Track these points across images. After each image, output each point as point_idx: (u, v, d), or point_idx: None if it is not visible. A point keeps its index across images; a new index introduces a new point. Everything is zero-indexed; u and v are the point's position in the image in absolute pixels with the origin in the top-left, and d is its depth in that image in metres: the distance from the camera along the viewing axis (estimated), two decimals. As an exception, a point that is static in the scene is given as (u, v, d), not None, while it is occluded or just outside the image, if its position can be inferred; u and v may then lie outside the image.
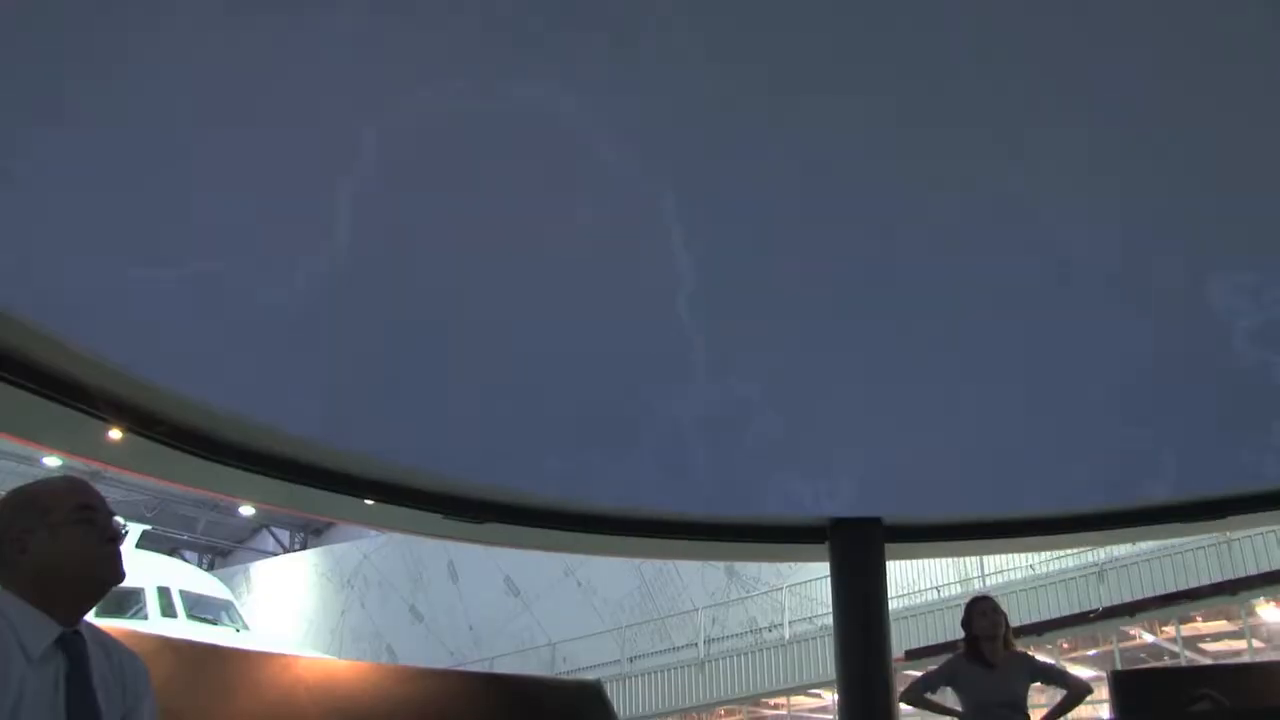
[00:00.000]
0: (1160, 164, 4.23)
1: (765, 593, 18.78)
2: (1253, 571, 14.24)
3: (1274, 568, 14.14)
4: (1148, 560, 14.83)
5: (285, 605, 26.55)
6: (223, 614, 14.60)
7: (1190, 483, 5.97)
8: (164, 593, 13.68)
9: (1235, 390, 5.24)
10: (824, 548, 6.59)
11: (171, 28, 3.63)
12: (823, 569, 6.54)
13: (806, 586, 17.46)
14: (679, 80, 4.08)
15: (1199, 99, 3.92)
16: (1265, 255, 4.61)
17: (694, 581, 19.90)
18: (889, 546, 6.56)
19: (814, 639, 16.78)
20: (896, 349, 5.08)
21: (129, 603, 13.07)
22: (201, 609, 14.13)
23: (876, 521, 6.45)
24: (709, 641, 18.83)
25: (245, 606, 18.83)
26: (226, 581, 20.19)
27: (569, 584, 21.81)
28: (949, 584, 16.67)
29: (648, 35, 3.95)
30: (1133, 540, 12.22)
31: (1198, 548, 14.38)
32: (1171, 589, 14.67)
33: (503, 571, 22.82)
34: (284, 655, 4.59)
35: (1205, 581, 14.46)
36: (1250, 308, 4.82)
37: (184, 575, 15.09)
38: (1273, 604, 15.06)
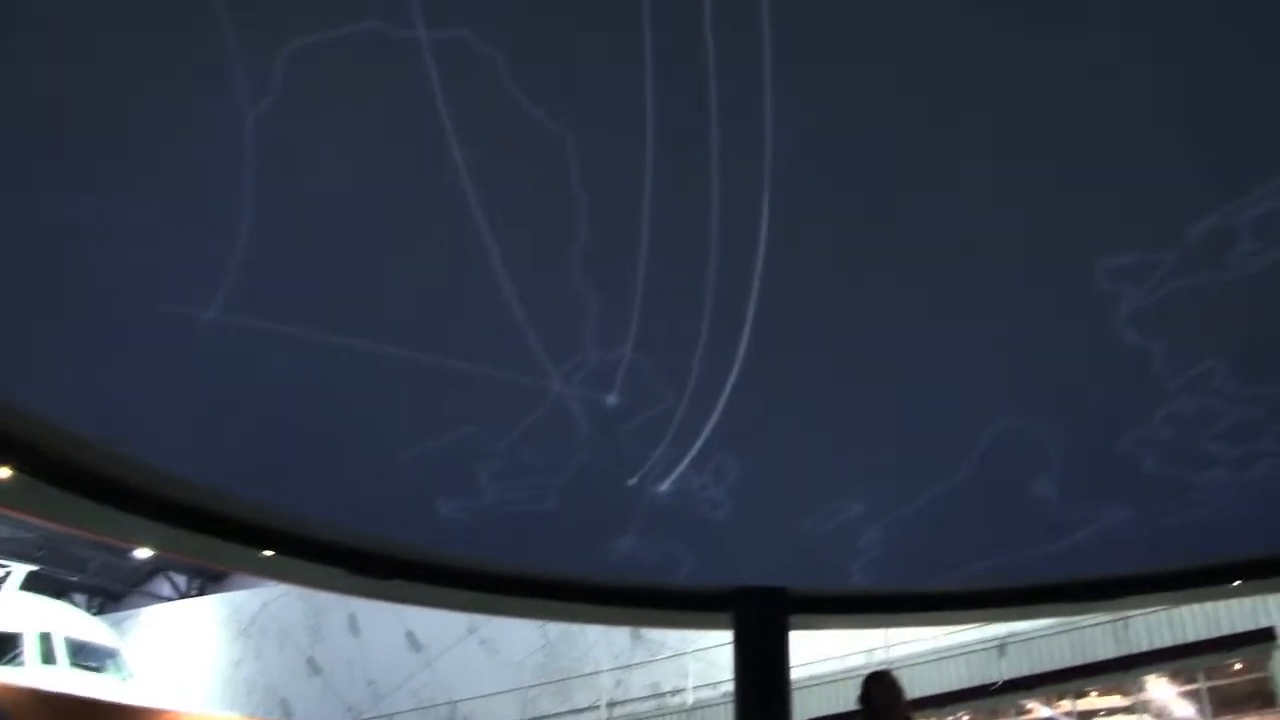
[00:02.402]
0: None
1: (670, 657, 18.68)
2: (1146, 648, 14.66)
3: (1166, 645, 14.55)
4: (1047, 636, 15.14)
5: (177, 654, 25.67)
6: (108, 662, 14.06)
7: (1087, 564, 6.12)
8: (45, 638, 13.12)
9: (1131, 477, 5.39)
10: (728, 616, 6.60)
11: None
12: (728, 635, 6.54)
13: (711, 652, 17.42)
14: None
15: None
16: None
17: (599, 643, 19.74)
18: (793, 617, 6.60)
19: (717, 705, 16.72)
20: (800, 423, 5.11)
21: (5, 649, 12.52)
22: (85, 656, 13.59)
23: (781, 592, 6.49)
24: (612, 704, 18.65)
25: (134, 654, 18.16)
26: (116, 627, 19.51)
27: (472, 641, 21.47)
28: (852, 654, 16.76)
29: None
30: (1032, 617, 12.43)
31: (1095, 624, 14.75)
32: (1069, 664, 15.00)
33: (405, 626, 22.39)
34: (167, 710, 4.44)
35: (1101, 657, 14.83)
36: (1151, 427, 5.05)
37: (69, 620, 14.52)
38: (1164, 680, 15.43)
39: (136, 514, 5.33)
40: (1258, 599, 13.86)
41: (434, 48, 3.70)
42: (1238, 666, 15.08)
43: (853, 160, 3.97)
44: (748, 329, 4.41)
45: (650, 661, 18.97)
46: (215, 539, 5.72)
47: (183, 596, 28.94)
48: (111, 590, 29.71)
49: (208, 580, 29.10)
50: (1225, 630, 14.36)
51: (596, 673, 19.13)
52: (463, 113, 3.83)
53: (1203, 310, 4.50)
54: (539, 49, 3.68)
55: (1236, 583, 6.67)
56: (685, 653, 18.09)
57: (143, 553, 24.54)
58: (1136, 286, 4.43)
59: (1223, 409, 5.08)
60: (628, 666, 19.25)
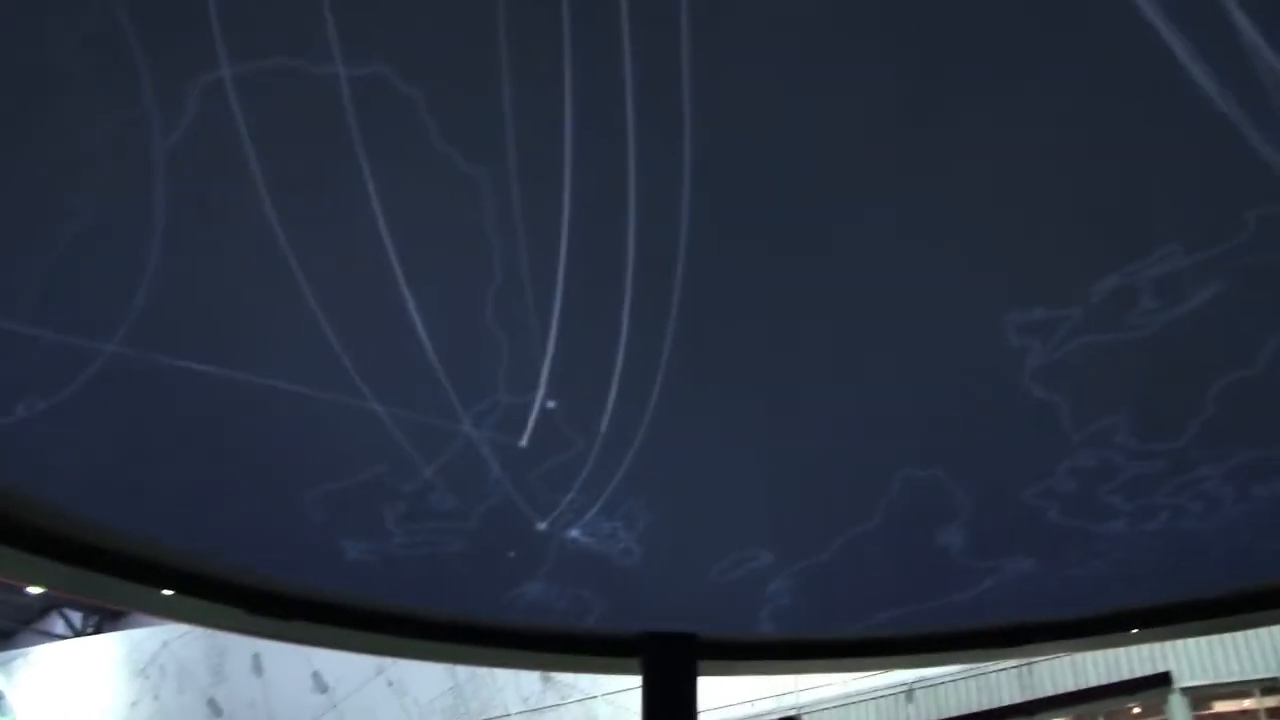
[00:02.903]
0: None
1: (579, 700, 18.51)
2: (1049, 693, 14.96)
3: (1068, 689, 14.88)
4: (953, 681, 15.35)
5: (69, 695, 24.72)
6: (-9, 704, 13.51)
7: (993, 613, 6.23)
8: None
9: (1036, 528, 5.50)
10: (637, 661, 6.58)
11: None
12: (638, 679, 6.52)
13: (622, 696, 17.31)
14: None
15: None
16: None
17: (509, 685, 19.49)
18: (702, 663, 6.60)
19: (627, 749, 16.60)
20: (710, 471, 5.14)
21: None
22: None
23: (690, 638, 6.50)
24: (521, 747, 18.41)
25: (21, 696, 17.44)
26: (4, 668, 18.72)
27: (380, 682, 21.04)
28: (763, 698, 16.77)
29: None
30: (939, 664, 12.59)
31: (1000, 670, 15.01)
32: (976, 708, 15.22)
33: (311, 666, 21.87)
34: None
35: (1007, 702, 15.08)
36: (1056, 479, 5.18)
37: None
38: (1067, 725, 15.73)
39: (29, 551, 5.15)
40: (1155, 645, 14.24)
41: (352, 85, 3.67)
42: (1136, 710, 15.48)
43: (764, 231, 4.02)
44: (660, 377, 4.42)
45: (560, 705, 18.79)
46: (112, 577, 5.55)
47: (78, 634, 27.93)
48: (1, 628, 28.59)
49: (105, 618, 28.16)
50: (1125, 675, 14.74)
51: (506, 716, 18.88)
52: (380, 152, 3.80)
53: (1105, 367, 4.62)
54: (460, 89, 3.67)
55: (1135, 630, 6.85)
56: (595, 696, 17.95)
57: (34, 588, 23.73)
58: (1043, 342, 4.54)
59: (1122, 463, 5.22)
60: (537, 710, 19.03)
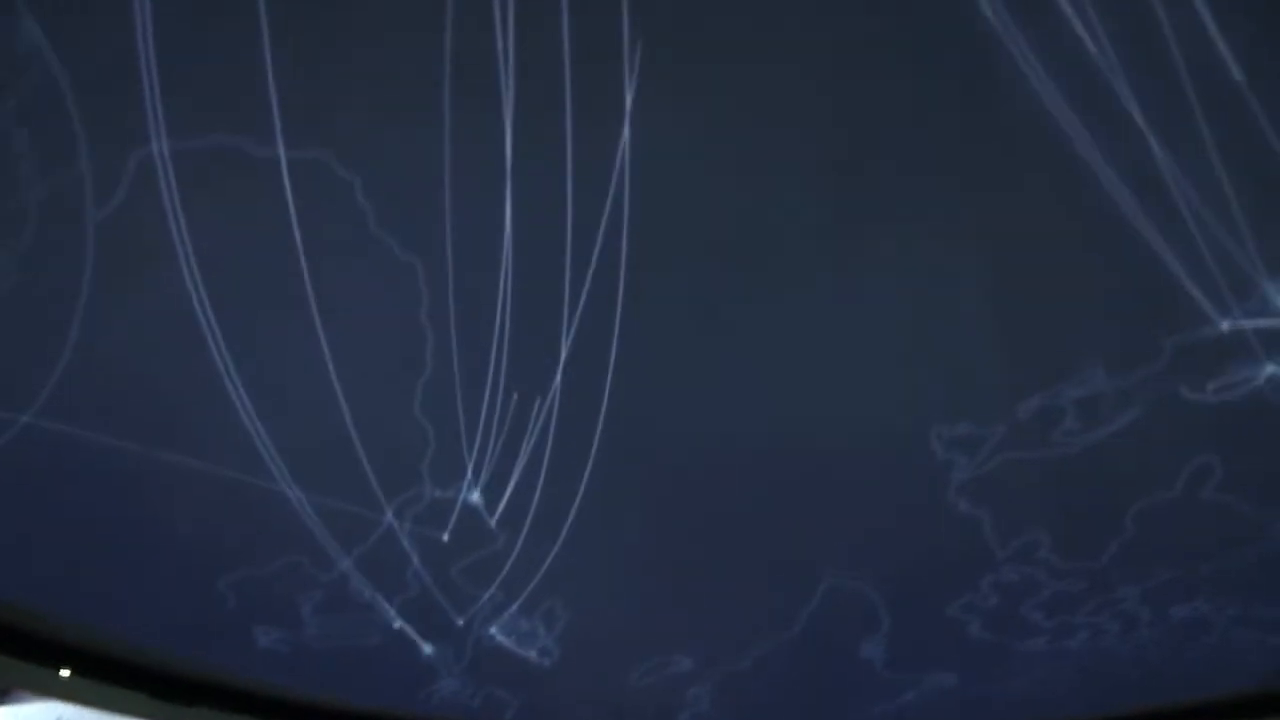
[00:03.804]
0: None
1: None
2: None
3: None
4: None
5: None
6: None
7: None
8: None
9: (957, 643, 5.50)
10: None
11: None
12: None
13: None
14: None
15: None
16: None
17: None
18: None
19: None
20: (634, 575, 5.09)
21: None
22: None
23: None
24: None
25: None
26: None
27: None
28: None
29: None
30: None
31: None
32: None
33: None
34: None
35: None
36: (979, 594, 5.20)
37: None
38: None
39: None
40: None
41: (290, 167, 3.66)
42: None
43: (696, 341, 4.06)
44: (586, 476, 4.39)
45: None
46: (3, 655, 5.31)
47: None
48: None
49: None
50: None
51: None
52: (315, 234, 3.78)
53: (1029, 483, 4.68)
54: (398, 176, 3.68)
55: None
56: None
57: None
58: (969, 457, 4.58)
59: (1044, 580, 5.25)
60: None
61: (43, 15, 3.38)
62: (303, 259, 3.87)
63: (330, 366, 4.04)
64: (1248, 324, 4.26)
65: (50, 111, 3.44)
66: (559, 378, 4.05)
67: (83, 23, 3.43)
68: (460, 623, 5.24)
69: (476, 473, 4.35)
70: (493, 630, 5.31)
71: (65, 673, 5.64)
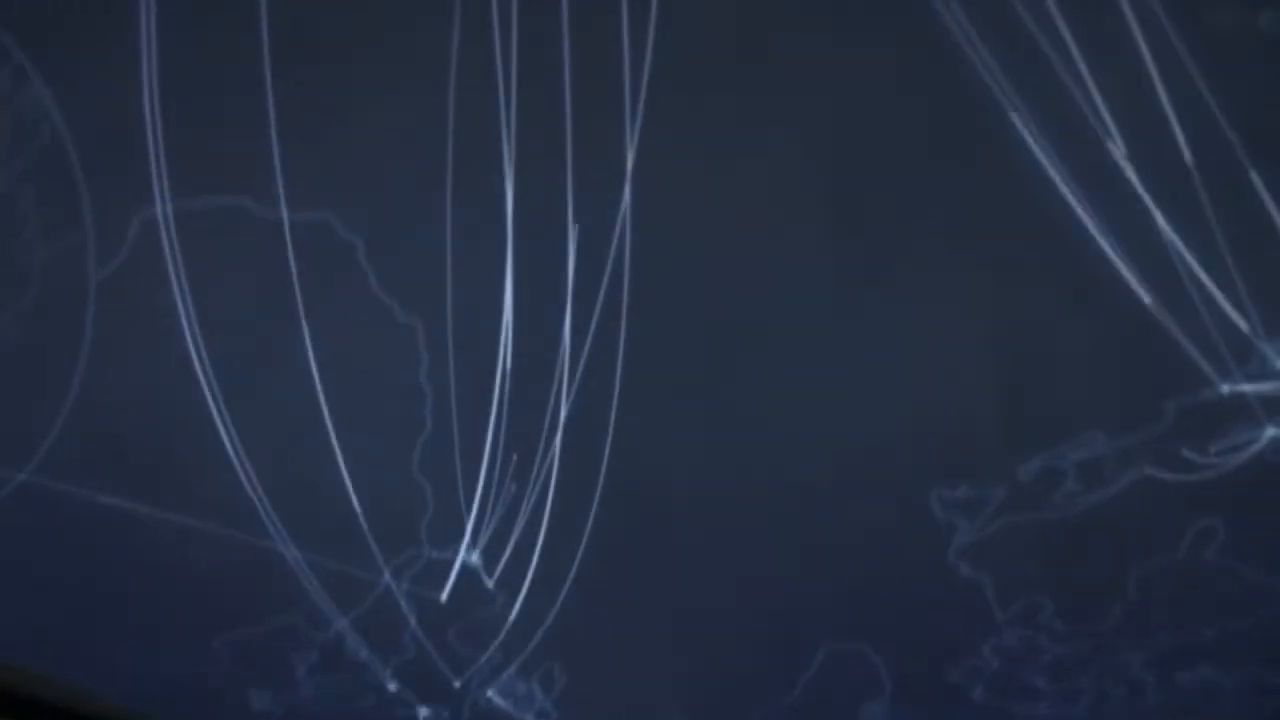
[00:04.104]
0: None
1: None
2: None
3: None
4: None
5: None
6: None
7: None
8: None
9: (960, 708, 5.45)
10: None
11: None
12: None
13: None
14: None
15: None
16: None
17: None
18: (617, 833, 6.38)
19: None
20: (633, 637, 5.05)
21: None
22: None
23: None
24: None
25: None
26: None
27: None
28: None
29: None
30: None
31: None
32: None
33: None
34: None
35: None
36: (981, 658, 5.17)
37: None
38: None
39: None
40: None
41: (293, 229, 3.69)
42: None
43: (697, 395, 4.07)
44: (585, 536, 4.38)
45: None
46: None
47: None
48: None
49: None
50: None
51: None
52: (317, 296, 3.81)
53: (1030, 546, 4.66)
54: (401, 239, 3.71)
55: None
56: None
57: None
58: (969, 520, 4.57)
59: (1047, 644, 5.20)
60: None
61: (53, 81, 3.45)
62: (303, 320, 3.89)
63: (329, 426, 4.05)
64: (1248, 387, 4.26)
65: (56, 174, 3.49)
66: (559, 440, 4.04)
67: (92, 88, 3.47)
68: (457, 685, 5.19)
69: (475, 534, 4.33)
70: (490, 693, 5.26)
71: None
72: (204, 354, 3.90)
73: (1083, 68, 3.53)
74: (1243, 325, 3.88)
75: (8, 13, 3.37)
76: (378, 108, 3.54)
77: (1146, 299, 3.77)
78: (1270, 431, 4.31)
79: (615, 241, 3.59)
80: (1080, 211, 3.58)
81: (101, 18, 3.40)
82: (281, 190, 3.55)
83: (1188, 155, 3.54)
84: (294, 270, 3.74)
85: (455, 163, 3.49)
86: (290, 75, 3.42)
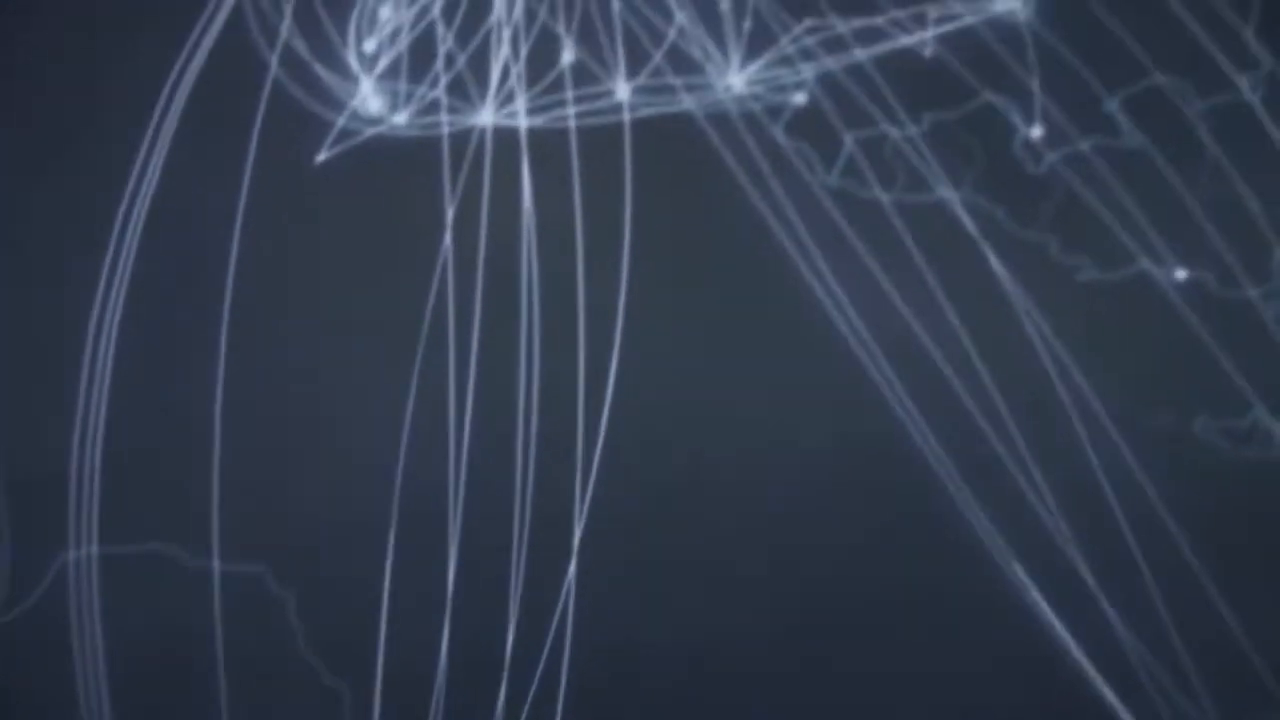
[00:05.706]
0: None
1: None
2: None
3: None
4: None
5: None
6: None
7: None
8: None
9: None
10: None
11: None
12: None
13: None
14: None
15: None
16: None
17: None
18: None
19: None
20: None
21: None
22: None
23: None
24: None
25: None
26: None
27: None
28: None
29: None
30: None
31: None
32: None
33: None
34: None
35: None
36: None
37: None
38: None
39: None
40: None
41: (224, 580, 3.60)
42: None
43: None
44: None
45: None
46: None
47: None
48: None
49: None
50: None
51: None
52: (238, 653, 3.67)
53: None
54: (334, 598, 3.61)
55: None
56: None
57: None
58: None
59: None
60: None
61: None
62: (221, 672, 3.70)
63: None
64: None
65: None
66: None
67: (25, 431, 3.44)
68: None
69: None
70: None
71: None
72: (105, 691, 3.71)
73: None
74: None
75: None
76: (328, 471, 3.53)
77: (1107, 698, 3.69)
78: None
79: (558, 613, 3.49)
80: (1040, 615, 3.54)
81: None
82: (216, 541, 3.46)
83: (1138, 555, 3.54)
84: (218, 620, 3.60)
85: (399, 527, 3.43)
86: (239, 435, 3.41)
